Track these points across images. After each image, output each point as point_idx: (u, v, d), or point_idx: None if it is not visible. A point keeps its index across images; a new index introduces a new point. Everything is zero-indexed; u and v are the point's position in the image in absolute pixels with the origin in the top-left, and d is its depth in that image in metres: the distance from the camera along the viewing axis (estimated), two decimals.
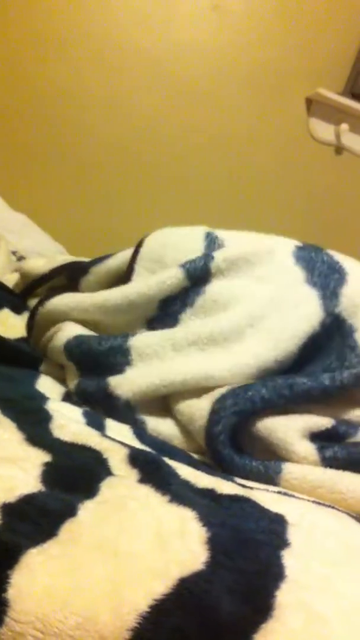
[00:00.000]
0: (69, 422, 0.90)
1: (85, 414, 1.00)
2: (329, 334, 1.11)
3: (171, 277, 1.15)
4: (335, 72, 2.41)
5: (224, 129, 2.38)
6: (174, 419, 1.09)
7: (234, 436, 1.03)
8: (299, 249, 1.22)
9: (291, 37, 2.36)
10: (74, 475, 0.75)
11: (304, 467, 0.98)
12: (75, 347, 1.16)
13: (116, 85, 2.31)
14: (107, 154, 2.39)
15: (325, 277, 1.16)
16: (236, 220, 2.43)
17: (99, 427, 0.96)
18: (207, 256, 1.17)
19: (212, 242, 1.24)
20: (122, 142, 2.36)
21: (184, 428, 1.08)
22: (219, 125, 2.38)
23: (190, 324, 1.15)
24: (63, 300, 1.24)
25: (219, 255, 1.17)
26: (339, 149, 2.49)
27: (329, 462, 1.01)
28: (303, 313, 1.10)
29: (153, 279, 1.17)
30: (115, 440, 0.86)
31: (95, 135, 2.37)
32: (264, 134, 2.41)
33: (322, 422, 1.05)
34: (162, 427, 1.07)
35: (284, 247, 1.22)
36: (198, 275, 1.16)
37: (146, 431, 1.05)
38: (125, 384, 1.08)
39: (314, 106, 2.42)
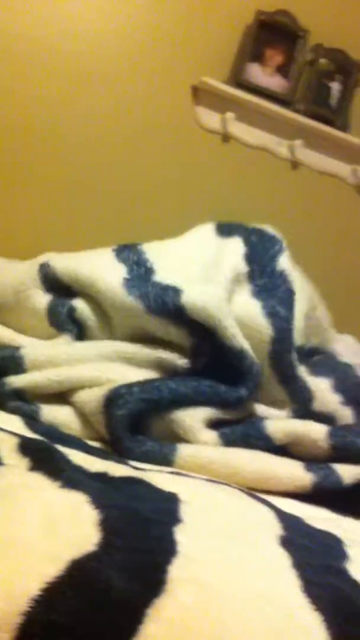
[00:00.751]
0: None
1: None
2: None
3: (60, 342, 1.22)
4: (220, 60, 2.45)
5: (111, 115, 2.35)
6: (71, 406, 1.10)
7: (135, 422, 1.06)
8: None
9: (175, 25, 2.37)
10: None
11: (197, 446, 1.01)
12: None
13: (1, 71, 2.25)
14: None
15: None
16: (126, 208, 2.44)
17: None
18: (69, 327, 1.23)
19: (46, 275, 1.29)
20: (10, 134, 2.31)
21: (81, 414, 1.09)
22: (106, 112, 2.35)
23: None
24: None
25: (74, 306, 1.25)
26: (226, 137, 2.53)
27: (225, 437, 1.05)
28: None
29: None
30: (5, 430, 0.85)
31: None
32: (150, 121, 2.40)
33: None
34: (57, 413, 1.08)
35: (110, 275, 1.27)
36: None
37: (39, 418, 1.06)
38: (19, 379, 1.09)
39: (199, 94, 2.44)
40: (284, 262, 1.30)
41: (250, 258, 1.28)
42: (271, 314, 1.18)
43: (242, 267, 1.26)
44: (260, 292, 1.23)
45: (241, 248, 1.30)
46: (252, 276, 1.27)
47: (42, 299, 1.24)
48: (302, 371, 1.23)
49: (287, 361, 1.18)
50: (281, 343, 1.17)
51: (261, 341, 1.16)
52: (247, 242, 1.32)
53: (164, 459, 0.98)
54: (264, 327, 1.17)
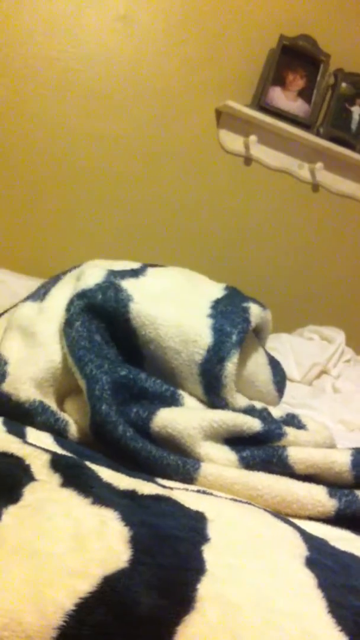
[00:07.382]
0: None
1: (5, 422, 1.00)
2: None
3: None
4: (244, 84, 2.47)
5: (133, 140, 2.38)
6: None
7: (141, 429, 1.06)
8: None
9: (199, 49, 2.40)
10: None
11: (220, 466, 1.02)
12: None
13: (23, 95, 2.28)
14: (15, 164, 2.35)
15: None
16: (146, 233, 2.46)
17: (20, 434, 0.97)
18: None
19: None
20: (29, 153, 2.33)
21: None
22: (128, 136, 2.38)
23: None
24: None
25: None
26: (248, 160, 2.56)
27: (245, 462, 1.05)
28: None
29: None
30: (36, 447, 0.87)
31: (1, 145, 2.33)
32: (174, 145, 2.43)
33: (253, 425, 1.10)
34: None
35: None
36: None
37: (67, 434, 1.08)
38: (9, 381, 1.11)
39: (223, 118, 2.47)
40: None
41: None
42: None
43: None
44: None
45: None
46: None
47: None
48: None
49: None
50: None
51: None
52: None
53: (186, 475, 0.99)
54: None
